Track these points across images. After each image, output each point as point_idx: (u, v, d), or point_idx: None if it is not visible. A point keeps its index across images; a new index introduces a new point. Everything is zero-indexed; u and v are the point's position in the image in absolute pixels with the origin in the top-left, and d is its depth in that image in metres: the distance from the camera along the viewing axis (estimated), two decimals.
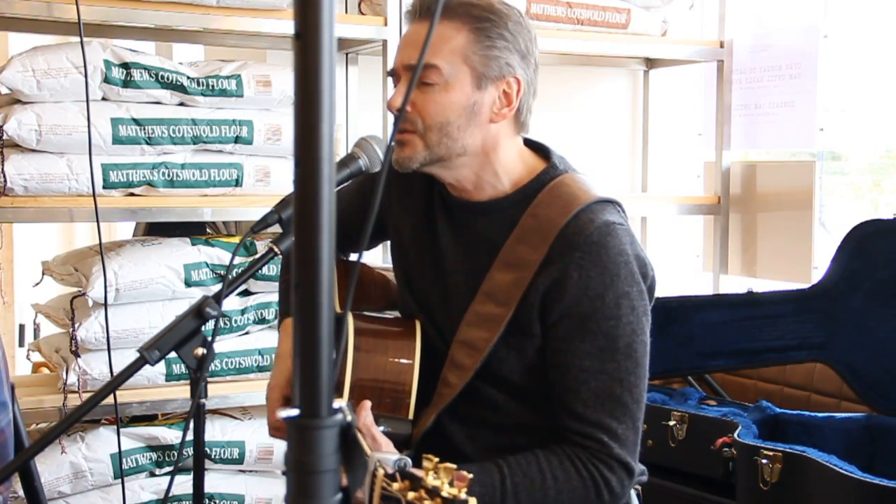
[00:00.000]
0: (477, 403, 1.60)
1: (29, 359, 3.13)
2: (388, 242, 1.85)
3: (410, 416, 1.60)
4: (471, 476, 1.00)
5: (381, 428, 1.52)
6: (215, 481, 2.54)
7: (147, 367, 1.41)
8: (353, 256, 1.93)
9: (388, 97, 2.68)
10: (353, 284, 1.13)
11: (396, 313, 1.81)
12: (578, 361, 1.51)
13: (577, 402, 1.51)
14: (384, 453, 1.13)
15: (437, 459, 1.01)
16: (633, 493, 1.68)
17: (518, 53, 1.55)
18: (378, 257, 2.71)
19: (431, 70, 1.51)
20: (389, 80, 2.66)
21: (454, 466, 1.00)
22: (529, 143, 1.68)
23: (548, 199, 1.57)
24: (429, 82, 1.52)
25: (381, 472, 1.07)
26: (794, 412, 2.69)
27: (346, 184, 1.68)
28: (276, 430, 1.65)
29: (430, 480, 0.99)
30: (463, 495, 0.97)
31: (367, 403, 1.53)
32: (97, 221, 2.26)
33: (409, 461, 1.08)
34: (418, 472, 0.99)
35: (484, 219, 1.62)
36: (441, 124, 1.53)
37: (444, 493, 0.97)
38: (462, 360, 1.58)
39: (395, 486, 1.01)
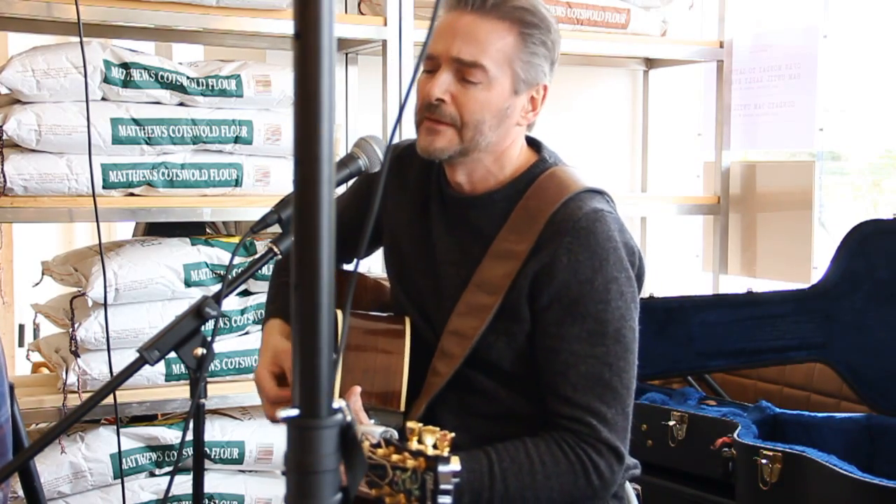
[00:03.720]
0: (468, 392, 1.61)
1: (29, 359, 3.13)
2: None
3: (402, 408, 1.61)
4: (452, 435, 1.01)
5: (373, 420, 1.52)
6: (215, 481, 2.54)
7: (147, 367, 1.41)
8: (348, 266, 1.93)
9: (386, 95, 2.70)
10: (352, 285, 1.14)
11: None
12: (567, 345, 1.52)
13: (565, 385, 1.52)
14: (370, 426, 1.15)
15: (420, 424, 1.03)
16: (632, 492, 1.68)
17: (550, 62, 1.61)
18: (377, 265, 2.71)
19: (478, 69, 1.53)
20: (389, 80, 2.69)
21: (437, 429, 1.01)
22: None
23: (538, 190, 1.60)
24: (473, 80, 1.54)
25: (366, 443, 1.08)
26: (794, 412, 2.69)
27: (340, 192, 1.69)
28: (274, 406, 1.61)
29: (415, 444, 1.00)
30: (445, 453, 0.98)
31: (357, 388, 1.54)
32: (97, 221, 2.26)
33: (395, 433, 1.10)
34: (402, 440, 1.00)
35: (476, 211, 1.64)
36: (477, 122, 1.56)
37: (428, 453, 0.98)
38: (451, 348, 1.59)
39: (380, 452, 1.02)
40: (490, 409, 1.62)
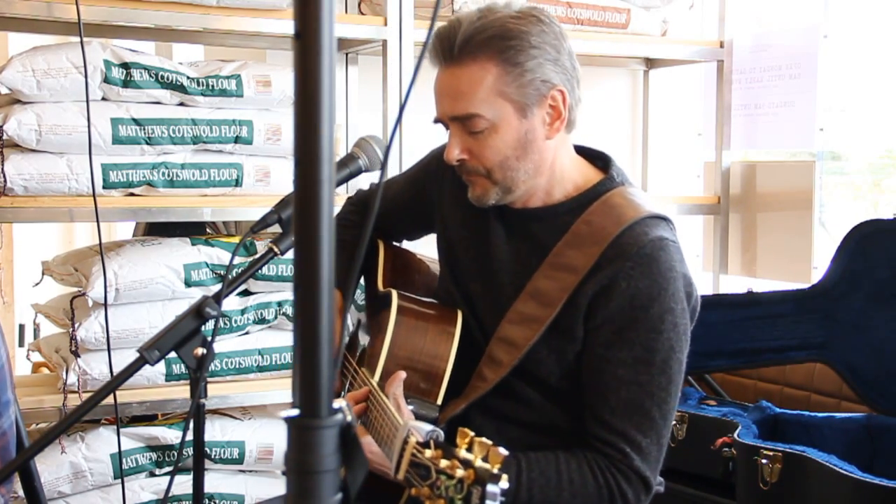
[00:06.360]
0: (510, 400, 1.61)
1: (29, 359, 3.13)
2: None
3: (439, 402, 1.60)
4: (506, 454, 0.99)
5: (410, 407, 1.52)
6: (215, 481, 2.54)
7: (147, 367, 1.41)
8: (405, 244, 1.99)
9: (386, 95, 2.70)
10: (356, 271, 1.14)
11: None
12: (613, 368, 1.51)
13: (604, 408, 1.51)
14: (417, 422, 1.13)
15: (472, 434, 1.01)
16: None
17: (549, 62, 1.54)
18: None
19: (476, 119, 1.52)
20: (389, 80, 2.69)
21: (490, 442, 0.99)
22: (588, 152, 1.70)
23: (602, 208, 1.58)
24: (477, 130, 1.53)
25: (412, 439, 1.06)
26: (794, 412, 2.69)
27: (398, 174, 1.70)
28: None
29: (464, 453, 0.99)
30: (496, 470, 0.96)
31: (402, 374, 1.54)
32: (97, 221, 2.26)
33: (442, 434, 1.08)
34: (451, 445, 0.98)
35: (537, 223, 1.63)
36: (500, 162, 1.55)
37: (477, 465, 0.96)
38: (500, 356, 1.58)
39: (428, 453, 1.01)
40: (530, 418, 1.61)
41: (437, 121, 1.61)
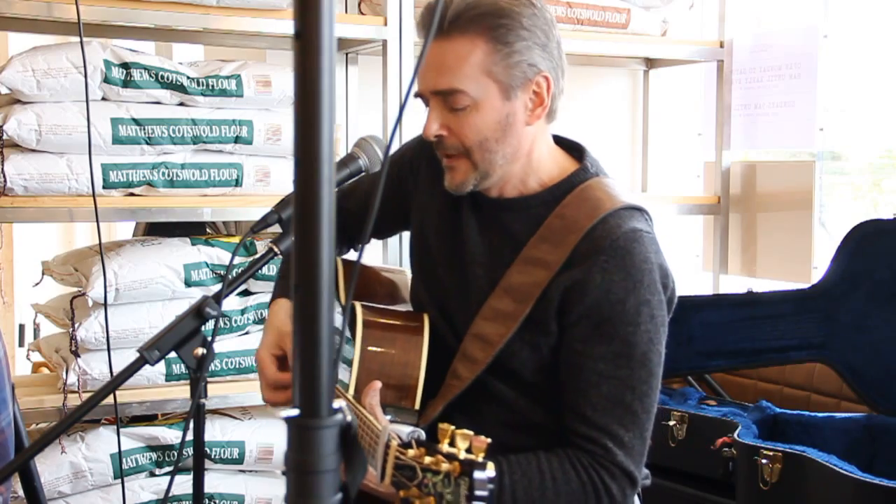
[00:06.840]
0: (486, 399, 1.60)
1: (29, 359, 3.13)
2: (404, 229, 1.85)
3: (416, 406, 1.59)
4: (489, 441, 0.99)
5: (388, 417, 1.51)
6: (215, 481, 2.54)
7: (147, 367, 1.41)
8: (368, 245, 1.94)
9: (386, 95, 2.71)
10: (355, 274, 1.13)
11: (407, 307, 1.82)
12: (592, 364, 1.50)
13: (585, 404, 1.50)
14: (397, 426, 1.13)
15: (453, 427, 1.00)
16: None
17: (538, 46, 1.52)
18: (378, 258, 2.71)
19: (459, 95, 1.50)
20: (390, 80, 2.69)
21: (471, 433, 0.99)
22: (564, 142, 1.68)
23: (576, 201, 1.57)
24: (459, 107, 1.51)
25: (394, 442, 1.06)
26: (794, 412, 2.69)
27: (363, 174, 1.68)
28: (272, 389, 1.62)
29: (447, 447, 0.98)
30: (480, 458, 0.96)
31: (377, 384, 1.52)
32: (97, 221, 2.26)
33: (423, 433, 1.08)
34: (432, 441, 0.98)
35: (510, 214, 1.62)
36: (481, 143, 1.53)
37: (462, 457, 0.96)
38: (474, 353, 1.57)
39: (411, 453, 1.00)
40: (506, 417, 1.60)
41: (417, 95, 1.58)
